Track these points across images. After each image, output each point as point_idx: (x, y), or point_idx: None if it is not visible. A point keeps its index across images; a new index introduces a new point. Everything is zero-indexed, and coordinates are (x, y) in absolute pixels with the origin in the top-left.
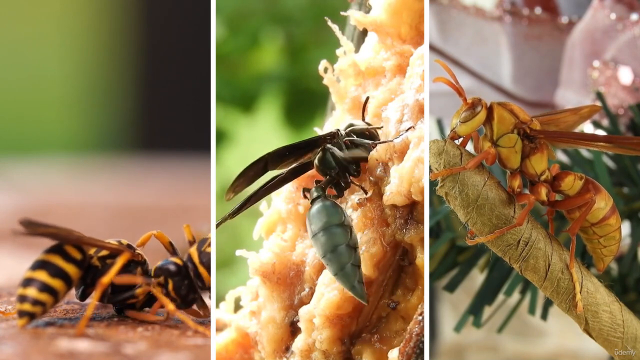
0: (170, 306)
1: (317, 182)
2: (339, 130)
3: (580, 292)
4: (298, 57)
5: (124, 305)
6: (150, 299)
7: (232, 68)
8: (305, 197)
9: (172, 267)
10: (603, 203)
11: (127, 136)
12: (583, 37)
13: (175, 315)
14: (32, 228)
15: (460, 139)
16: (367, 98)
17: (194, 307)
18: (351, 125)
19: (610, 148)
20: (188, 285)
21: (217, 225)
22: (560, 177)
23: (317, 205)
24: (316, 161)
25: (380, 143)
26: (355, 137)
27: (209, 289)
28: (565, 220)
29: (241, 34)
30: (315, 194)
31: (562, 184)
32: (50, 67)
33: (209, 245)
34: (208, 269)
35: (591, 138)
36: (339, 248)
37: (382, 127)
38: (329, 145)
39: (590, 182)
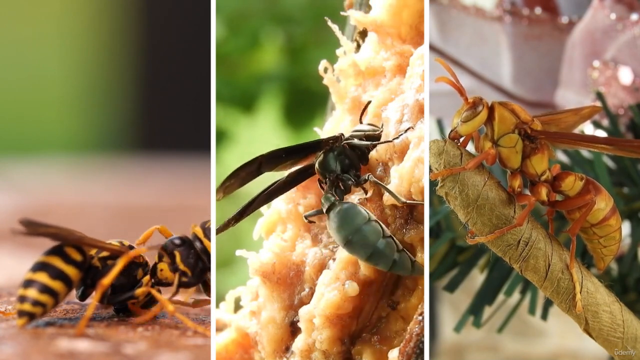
0: (170, 307)
1: (321, 186)
2: (342, 134)
3: (581, 292)
4: (298, 57)
5: (123, 306)
6: (150, 300)
7: (232, 68)
8: (310, 222)
9: (176, 241)
10: (603, 204)
11: (127, 136)
12: (583, 37)
13: (175, 316)
14: (33, 228)
15: (461, 139)
16: (369, 102)
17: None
18: (357, 131)
19: (611, 150)
20: (195, 255)
21: (218, 232)
22: (560, 177)
23: (335, 212)
24: (317, 164)
25: (378, 144)
26: (354, 140)
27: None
28: (566, 220)
29: (241, 34)
30: (327, 204)
31: (562, 185)
32: (50, 67)
33: (209, 223)
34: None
35: (592, 139)
36: (378, 243)
37: (382, 129)
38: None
39: (590, 182)
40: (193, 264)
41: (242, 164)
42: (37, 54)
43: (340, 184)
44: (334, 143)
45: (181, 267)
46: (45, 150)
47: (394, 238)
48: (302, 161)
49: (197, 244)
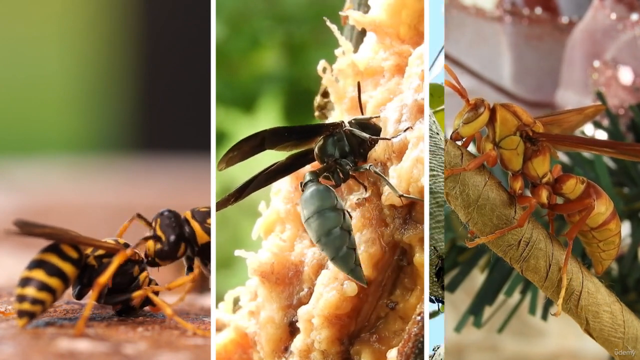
0: (168, 310)
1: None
2: (343, 122)
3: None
4: (298, 58)
5: (124, 307)
6: (148, 299)
7: (233, 68)
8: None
9: (165, 212)
10: (603, 208)
11: (127, 136)
12: (583, 37)
13: (173, 319)
14: (27, 229)
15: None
16: (358, 83)
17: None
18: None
19: (612, 153)
20: (176, 224)
21: (218, 208)
22: (562, 180)
23: (309, 190)
24: (316, 149)
25: (378, 139)
26: (355, 130)
27: (201, 249)
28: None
29: (241, 35)
30: (307, 178)
31: (563, 187)
32: (50, 67)
33: (202, 208)
34: (200, 224)
35: (593, 142)
36: (333, 231)
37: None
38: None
39: (591, 186)
40: (168, 231)
41: (245, 137)
42: (37, 54)
43: (338, 169)
44: (335, 129)
45: (158, 232)
46: (45, 150)
47: (352, 234)
48: (303, 144)
49: (186, 228)
